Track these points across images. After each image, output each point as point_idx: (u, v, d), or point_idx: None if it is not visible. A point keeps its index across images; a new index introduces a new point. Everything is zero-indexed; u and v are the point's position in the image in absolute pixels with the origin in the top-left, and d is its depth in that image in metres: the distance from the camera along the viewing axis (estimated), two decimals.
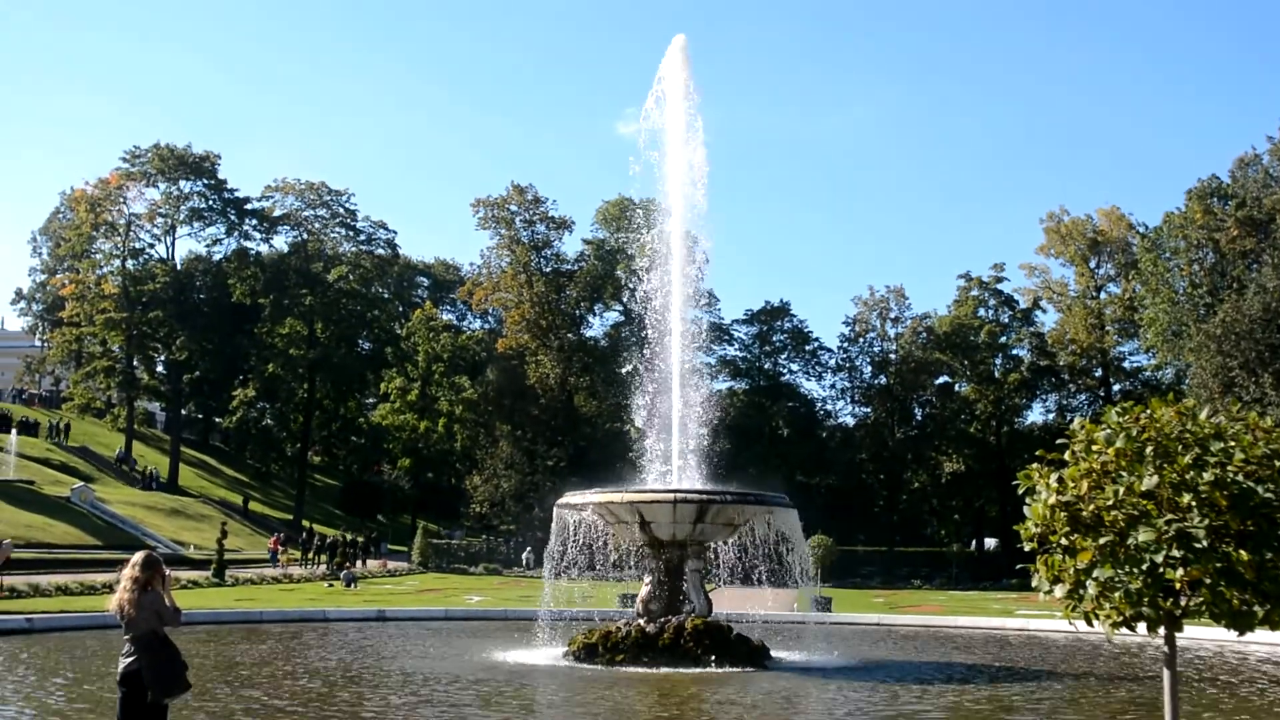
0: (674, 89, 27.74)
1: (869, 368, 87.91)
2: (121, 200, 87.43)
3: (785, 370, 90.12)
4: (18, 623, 25.91)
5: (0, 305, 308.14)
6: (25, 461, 72.41)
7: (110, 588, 10.50)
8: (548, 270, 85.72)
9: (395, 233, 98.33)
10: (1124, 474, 7.60)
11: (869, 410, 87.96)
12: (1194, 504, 7.32)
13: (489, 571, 66.10)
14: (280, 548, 61.14)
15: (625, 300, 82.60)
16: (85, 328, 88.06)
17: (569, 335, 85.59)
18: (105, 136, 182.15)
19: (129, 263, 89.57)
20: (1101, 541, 7.55)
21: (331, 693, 17.23)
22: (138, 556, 10.21)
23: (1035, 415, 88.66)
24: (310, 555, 61.46)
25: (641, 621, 22.65)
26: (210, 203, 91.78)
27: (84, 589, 35.38)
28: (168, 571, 10.36)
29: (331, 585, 48.17)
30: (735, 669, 20.96)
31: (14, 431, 77.67)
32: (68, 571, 42.25)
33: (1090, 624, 7.81)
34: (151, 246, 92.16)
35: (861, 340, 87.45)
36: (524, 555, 68.15)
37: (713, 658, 21.27)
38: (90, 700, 15.58)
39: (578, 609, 27.52)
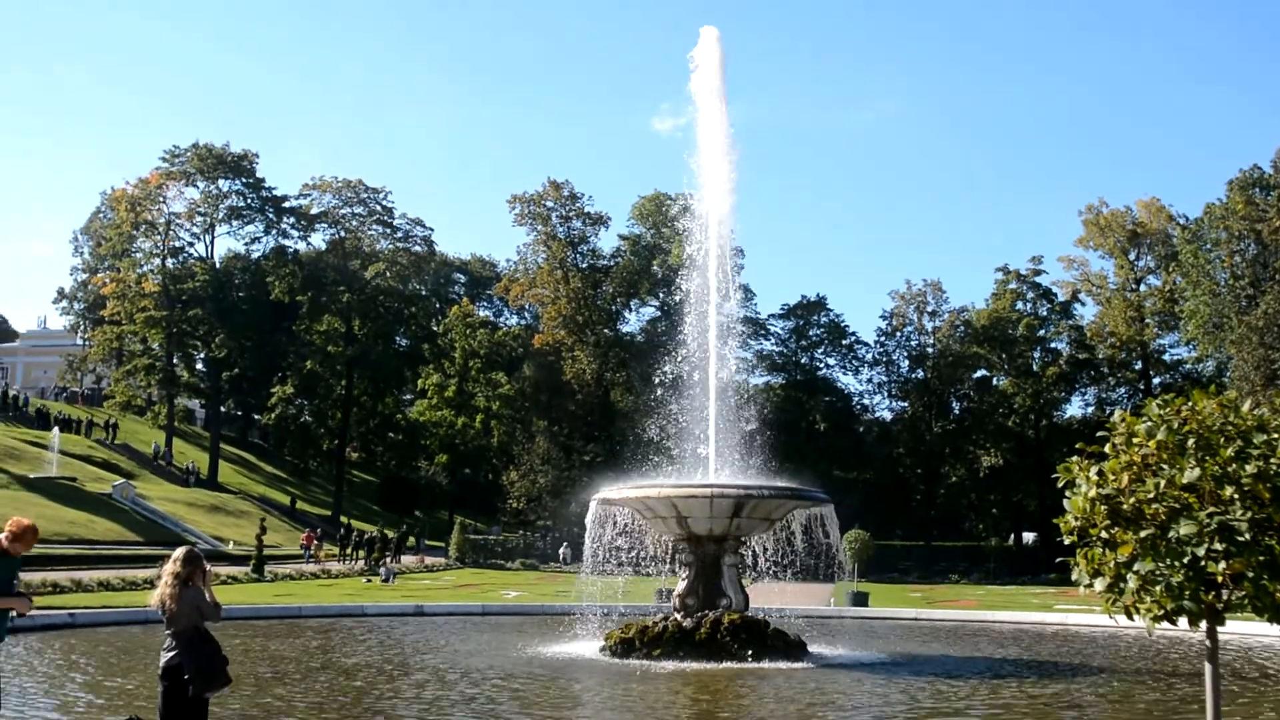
0: (705, 81, 27.68)
1: (906, 362, 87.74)
2: (161, 199, 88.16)
3: (822, 365, 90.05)
4: (60, 617, 26.19)
5: (43, 304, 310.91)
6: (68, 459, 73.17)
7: (151, 583, 10.64)
8: (584, 266, 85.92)
9: (432, 230, 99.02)
10: (1165, 467, 7.53)
11: (906, 404, 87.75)
12: (1236, 497, 7.25)
13: (526, 567, 66.34)
14: (315, 543, 61.33)
15: (661, 296, 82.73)
16: (126, 326, 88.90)
17: (605, 331, 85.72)
18: (145, 136, 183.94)
19: (169, 261, 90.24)
20: (1142, 535, 7.48)
21: (370, 687, 17.32)
22: (179, 552, 10.29)
23: (1074, 409, 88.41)
24: (349, 551, 61.78)
25: (678, 616, 22.63)
26: (249, 201, 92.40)
27: (125, 584, 35.76)
28: (208, 567, 10.44)
29: (369, 581, 48.45)
30: (772, 664, 20.91)
31: (56, 429, 78.48)
32: (109, 567, 42.67)
33: (1131, 618, 7.74)
34: (191, 245, 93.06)
35: (898, 334, 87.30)
36: (561, 550, 68.31)
37: (750, 652, 21.22)
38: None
39: (614, 604, 27.57)
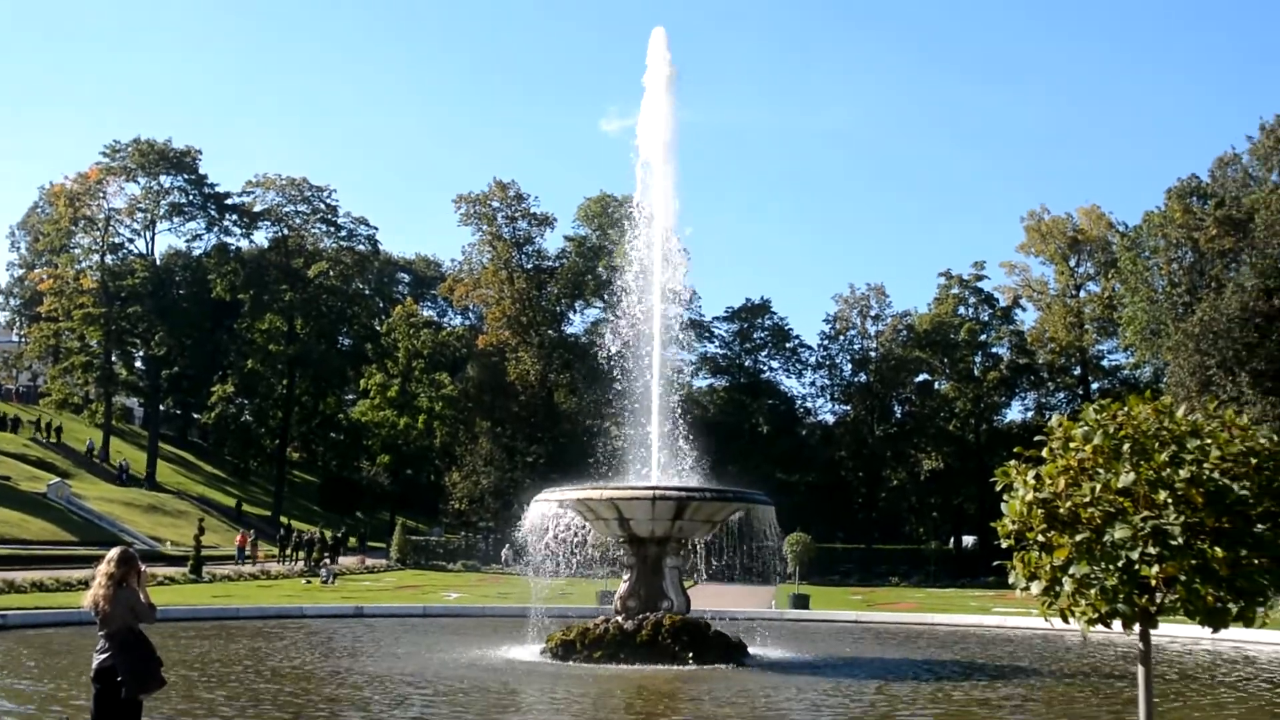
0: (654, 85, 27.76)
1: (849, 365, 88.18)
2: (101, 195, 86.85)
3: (765, 367, 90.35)
4: None
5: None
6: (1, 457, 71.97)
7: (86, 584, 10.51)
8: (529, 267, 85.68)
9: (376, 229, 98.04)
10: (1101, 471, 7.60)
11: (849, 408, 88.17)
12: (1170, 501, 7.32)
13: (468, 568, 66.05)
14: (250, 544, 60.36)
15: (606, 297, 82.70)
16: (63, 323, 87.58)
17: (549, 332, 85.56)
18: (85, 131, 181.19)
19: (108, 258, 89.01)
20: (1078, 538, 7.55)
21: (306, 690, 17.18)
22: (113, 552, 10.16)
23: (1014, 413, 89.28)
24: (289, 552, 61.23)
25: (620, 618, 22.62)
26: (190, 198, 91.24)
27: (60, 585, 35.25)
28: (144, 568, 10.31)
29: (309, 582, 48.07)
30: (713, 666, 20.96)
31: None
32: (44, 568, 42.04)
33: (1066, 621, 7.81)
34: (131, 241, 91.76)
35: (842, 338, 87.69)
36: (503, 552, 68.06)
37: (690, 655, 21.24)
38: None
39: (556, 606, 27.55)
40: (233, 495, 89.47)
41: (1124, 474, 7.45)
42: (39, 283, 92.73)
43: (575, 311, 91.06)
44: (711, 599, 32.24)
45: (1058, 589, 7.73)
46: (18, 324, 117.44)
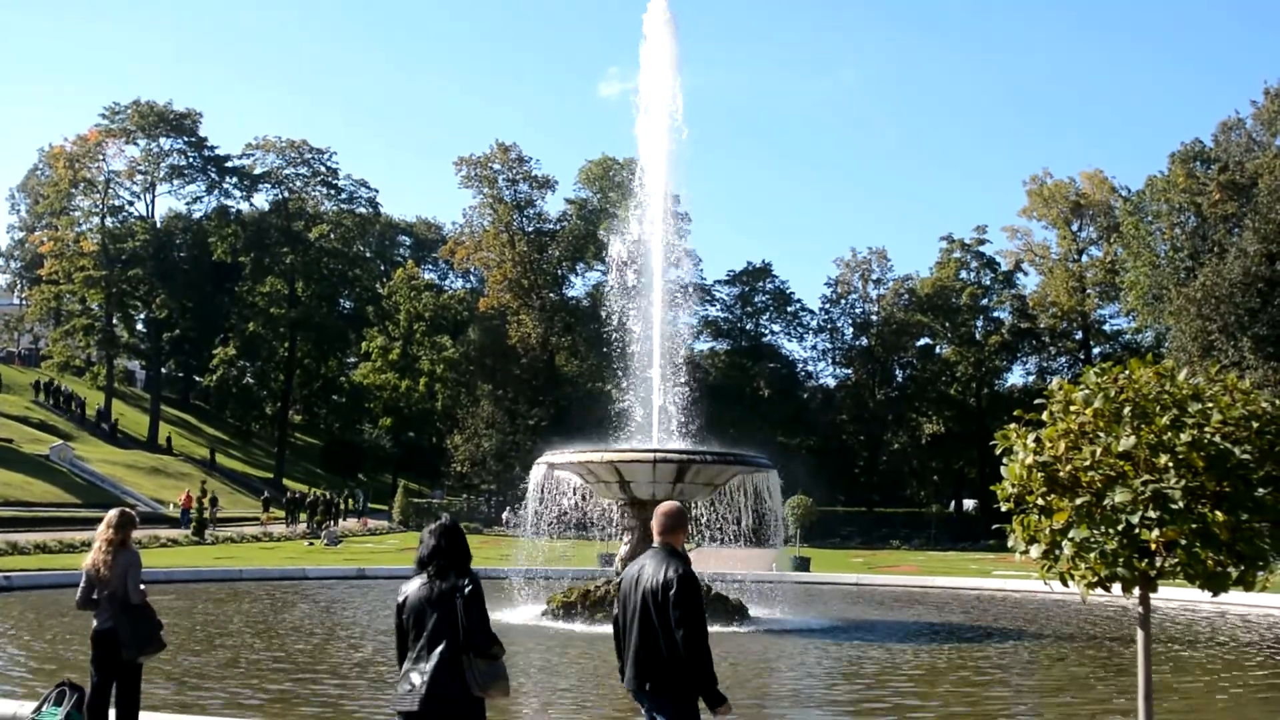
0: (655, 48, 27.63)
1: (850, 329, 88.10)
2: (101, 157, 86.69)
3: (767, 331, 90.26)
4: None
5: None
6: (4, 420, 72.03)
7: (89, 545, 10.52)
8: (530, 229, 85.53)
9: (376, 191, 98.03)
10: (1101, 435, 7.55)
11: (850, 371, 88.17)
12: (1171, 465, 7.28)
13: (469, 531, 66.09)
14: (195, 504, 49.03)
15: (607, 260, 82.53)
16: (64, 285, 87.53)
17: (551, 295, 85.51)
18: (84, 93, 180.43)
19: (108, 220, 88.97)
20: (1078, 502, 7.51)
21: (305, 650, 17.23)
22: (112, 515, 10.15)
23: (1015, 377, 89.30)
24: (293, 514, 61.44)
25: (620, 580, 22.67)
26: (190, 160, 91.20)
27: (63, 547, 35.36)
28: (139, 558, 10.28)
29: (311, 544, 48.22)
30: (713, 628, 20.91)
31: None
32: (46, 530, 42.17)
33: (1065, 584, 7.79)
34: (131, 204, 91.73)
35: (843, 301, 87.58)
36: (504, 514, 68.24)
37: None
38: None
39: (557, 568, 27.64)
40: (234, 457, 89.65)
41: (1124, 438, 7.41)
42: (39, 245, 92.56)
43: (577, 274, 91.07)
44: (713, 562, 32.35)
45: (1057, 552, 7.70)
46: (18, 287, 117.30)
